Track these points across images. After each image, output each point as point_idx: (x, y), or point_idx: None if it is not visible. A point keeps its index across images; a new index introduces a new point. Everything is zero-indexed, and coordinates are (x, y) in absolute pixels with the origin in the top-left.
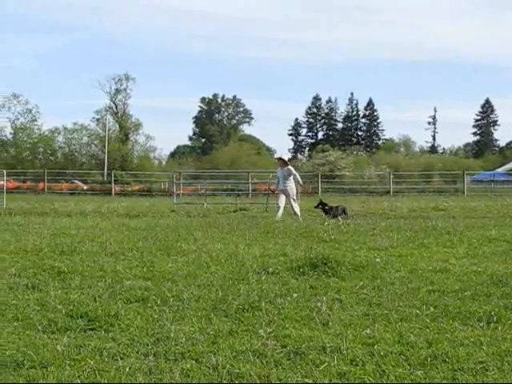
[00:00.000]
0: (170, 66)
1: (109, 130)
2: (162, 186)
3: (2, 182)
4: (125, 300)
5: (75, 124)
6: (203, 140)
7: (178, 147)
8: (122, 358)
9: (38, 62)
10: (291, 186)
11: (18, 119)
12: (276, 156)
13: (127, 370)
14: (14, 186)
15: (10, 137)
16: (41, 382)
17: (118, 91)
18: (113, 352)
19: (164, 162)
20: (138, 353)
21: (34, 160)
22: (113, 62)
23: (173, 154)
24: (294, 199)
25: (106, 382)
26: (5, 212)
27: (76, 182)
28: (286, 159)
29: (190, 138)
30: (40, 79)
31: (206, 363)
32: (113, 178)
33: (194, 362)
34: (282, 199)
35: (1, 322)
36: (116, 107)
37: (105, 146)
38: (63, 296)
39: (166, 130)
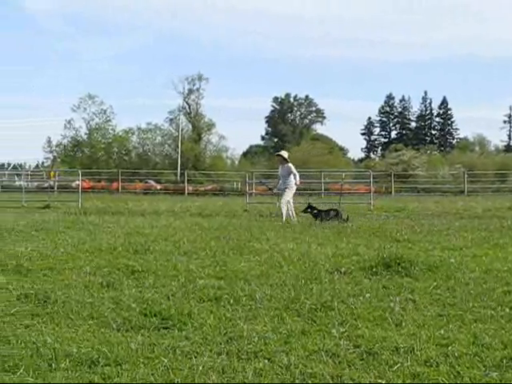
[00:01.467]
0: (243, 66)
1: (182, 130)
2: (235, 186)
3: (77, 182)
4: (198, 299)
5: (149, 124)
6: (276, 139)
7: (251, 147)
8: (195, 357)
9: (112, 63)
10: (291, 184)
11: (93, 120)
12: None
13: (200, 368)
14: (89, 185)
15: (85, 137)
16: (115, 379)
17: (191, 91)
18: (186, 350)
19: (237, 162)
20: (211, 351)
21: (108, 160)
22: (186, 62)
23: (245, 154)
24: (287, 200)
25: (179, 380)
26: (80, 211)
27: (150, 181)
28: (286, 156)
29: (263, 138)
30: (114, 80)
31: (279, 363)
32: (186, 178)
33: (266, 361)
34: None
35: (76, 319)
36: (189, 107)
37: (178, 146)
38: (137, 294)
39: (238, 129)
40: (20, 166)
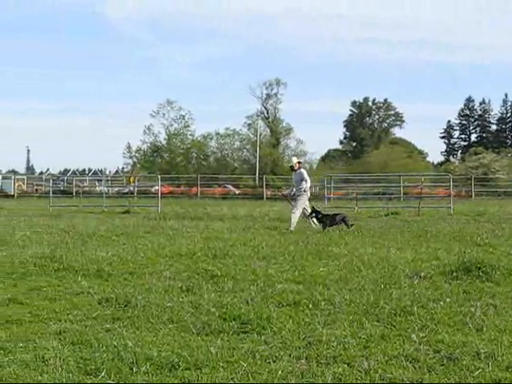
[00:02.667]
0: (321, 70)
1: (260, 135)
2: (313, 190)
3: (156, 187)
4: (276, 303)
5: (227, 129)
6: (354, 144)
7: (329, 151)
8: (274, 361)
9: (191, 70)
10: (307, 189)
11: (172, 125)
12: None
13: (279, 372)
14: (168, 190)
15: (164, 142)
16: (195, 383)
17: (269, 96)
18: (265, 355)
19: (315, 166)
20: (290, 356)
21: (187, 165)
22: (264, 67)
23: (323, 158)
24: (297, 207)
25: None
26: (159, 216)
27: (228, 186)
28: (295, 162)
29: (341, 142)
30: (193, 86)
31: (358, 367)
32: (264, 183)
33: (345, 365)
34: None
35: (156, 323)
36: (267, 112)
37: (256, 151)
38: (216, 299)
39: (316, 134)
40: (100, 171)
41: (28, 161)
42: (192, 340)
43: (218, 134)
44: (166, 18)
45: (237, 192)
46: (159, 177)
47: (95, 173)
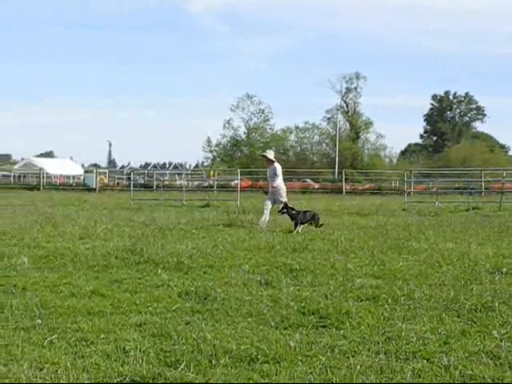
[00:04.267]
0: (401, 64)
1: (340, 129)
2: (393, 185)
3: (236, 181)
4: (356, 298)
5: (306, 123)
6: (434, 138)
7: (409, 145)
8: (353, 356)
9: (269, 63)
10: (280, 186)
11: (252, 119)
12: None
13: (358, 367)
14: (248, 184)
15: (243, 136)
16: (274, 377)
17: (348, 90)
18: (344, 349)
19: (395, 161)
20: (369, 351)
21: None
22: (343, 60)
23: (403, 153)
24: (268, 204)
25: (337, 379)
26: (239, 210)
27: (307, 180)
28: (271, 157)
29: (421, 136)
30: (272, 79)
31: (438, 363)
32: (343, 177)
33: (425, 361)
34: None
35: (236, 317)
36: (347, 106)
37: (336, 145)
38: (295, 293)
39: (396, 128)
40: (181, 165)
41: (110, 155)
42: (270, 333)
43: (297, 127)
44: (245, 11)
45: (316, 186)
46: (239, 171)
47: (175, 167)
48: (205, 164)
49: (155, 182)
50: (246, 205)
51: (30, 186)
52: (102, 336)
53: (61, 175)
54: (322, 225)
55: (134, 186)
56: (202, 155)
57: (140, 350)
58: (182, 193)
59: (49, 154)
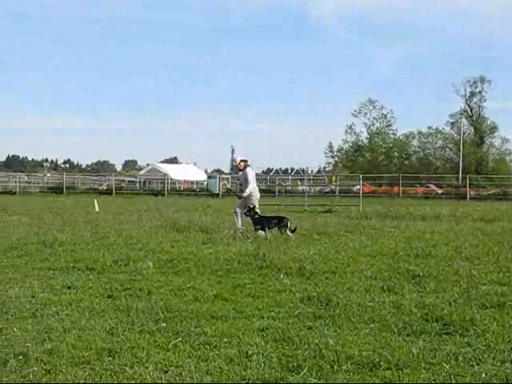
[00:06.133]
0: None
1: (464, 134)
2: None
3: (358, 186)
4: (480, 305)
5: (429, 128)
6: None
7: None
8: (477, 364)
9: (391, 68)
10: (253, 193)
11: (374, 124)
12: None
13: (483, 376)
14: (370, 190)
15: (365, 142)
16: (396, 383)
17: (473, 94)
18: (468, 357)
19: None
20: (494, 359)
21: (388, 164)
22: (466, 64)
23: None
24: (237, 212)
25: None
26: (361, 216)
27: (431, 185)
28: (239, 161)
29: None
30: (395, 84)
31: None
32: (467, 182)
33: None
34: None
35: (358, 323)
36: (471, 110)
37: (459, 150)
38: (418, 299)
39: None
40: (302, 170)
41: (232, 160)
42: (393, 340)
43: (420, 132)
44: (366, 16)
45: (439, 191)
46: (361, 176)
47: (297, 172)
48: (327, 169)
49: (277, 188)
50: (368, 210)
51: (154, 191)
52: (225, 340)
53: (185, 181)
54: (295, 230)
55: None
56: (324, 160)
57: (262, 355)
58: (304, 198)
59: (173, 160)
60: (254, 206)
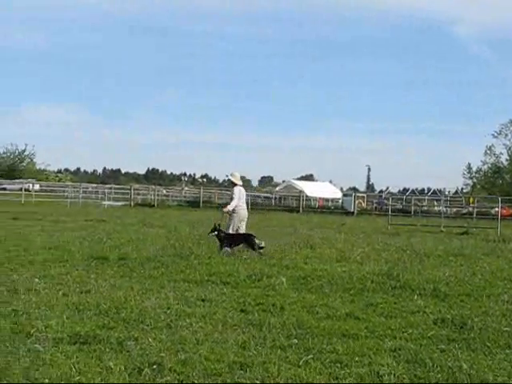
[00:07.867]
0: None
1: None
2: None
3: (496, 209)
4: None
5: None
6: None
7: None
8: None
9: None
10: (236, 210)
11: None
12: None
13: None
14: (509, 213)
15: (505, 163)
16: None
17: None
18: None
19: None
20: None
21: None
22: None
23: None
24: (230, 228)
25: None
26: (499, 239)
27: None
28: (233, 179)
29: None
30: None
31: None
32: None
33: None
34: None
35: (493, 347)
36: None
37: None
38: None
39: None
40: (439, 191)
41: (368, 179)
42: None
43: None
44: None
45: None
46: (499, 198)
47: (434, 192)
48: (464, 190)
49: (413, 208)
50: (507, 233)
51: (289, 207)
52: (357, 359)
53: (320, 198)
54: (262, 247)
55: (391, 211)
56: (461, 182)
57: (394, 375)
58: (441, 219)
59: (308, 178)
60: (218, 226)
